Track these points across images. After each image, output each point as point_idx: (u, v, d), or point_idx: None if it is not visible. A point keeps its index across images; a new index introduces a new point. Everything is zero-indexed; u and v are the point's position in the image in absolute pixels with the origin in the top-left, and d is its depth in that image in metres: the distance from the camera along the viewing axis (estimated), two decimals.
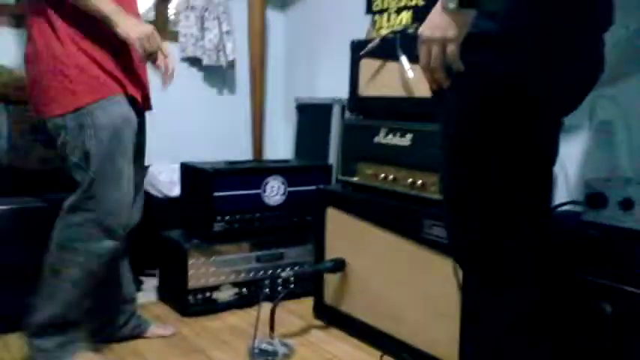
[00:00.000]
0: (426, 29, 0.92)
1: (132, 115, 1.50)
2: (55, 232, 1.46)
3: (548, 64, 0.92)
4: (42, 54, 1.42)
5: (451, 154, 0.99)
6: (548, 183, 1.08)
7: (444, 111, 0.99)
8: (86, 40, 1.43)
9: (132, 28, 1.42)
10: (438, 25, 0.89)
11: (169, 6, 2.69)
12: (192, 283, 1.89)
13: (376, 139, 1.68)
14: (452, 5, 0.87)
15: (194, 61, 2.63)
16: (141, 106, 1.57)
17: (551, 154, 1.06)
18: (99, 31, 1.43)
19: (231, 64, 2.68)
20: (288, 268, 1.97)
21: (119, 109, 1.46)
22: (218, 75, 2.74)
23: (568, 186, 1.57)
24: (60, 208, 1.46)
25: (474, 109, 0.94)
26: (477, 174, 0.96)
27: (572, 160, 1.55)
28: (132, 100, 1.51)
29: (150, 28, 1.45)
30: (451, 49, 0.89)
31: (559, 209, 1.43)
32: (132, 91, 1.51)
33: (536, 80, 0.92)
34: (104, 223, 1.44)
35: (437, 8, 0.90)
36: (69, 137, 1.43)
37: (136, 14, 1.58)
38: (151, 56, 1.47)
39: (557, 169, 1.53)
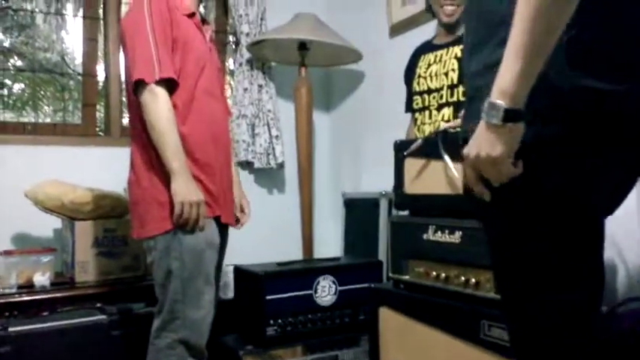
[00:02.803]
0: (472, 149, 0.83)
1: (216, 236, 1.59)
2: (148, 358, 1.51)
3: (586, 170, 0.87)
4: (141, 181, 1.53)
5: (499, 263, 0.98)
6: (599, 277, 1.01)
7: (489, 221, 0.99)
8: None
9: (183, 191, 1.44)
10: (483, 143, 0.81)
11: None
12: None
13: (425, 237, 1.68)
14: (495, 120, 0.78)
15: (245, 165, 2.77)
16: (226, 222, 1.66)
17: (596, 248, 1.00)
18: (195, 156, 1.52)
19: (281, 165, 2.80)
20: None
21: (205, 232, 1.53)
22: (269, 176, 2.86)
23: (630, 281, 1.49)
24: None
25: (519, 218, 0.92)
26: (529, 278, 0.94)
27: (632, 251, 1.48)
28: (218, 218, 1.60)
29: (200, 199, 1.47)
30: (503, 168, 0.80)
31: (619, 308, 1.35)
32: (220, 211, 1.60)
33: (578, 186, 0.89)
34: (190, 342, 1.49)
35: (481, 125, 0.82)
36: (156, 258, 1.52)
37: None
38: (182, 221, 1.46)
39: (616, 261, 1.48)
